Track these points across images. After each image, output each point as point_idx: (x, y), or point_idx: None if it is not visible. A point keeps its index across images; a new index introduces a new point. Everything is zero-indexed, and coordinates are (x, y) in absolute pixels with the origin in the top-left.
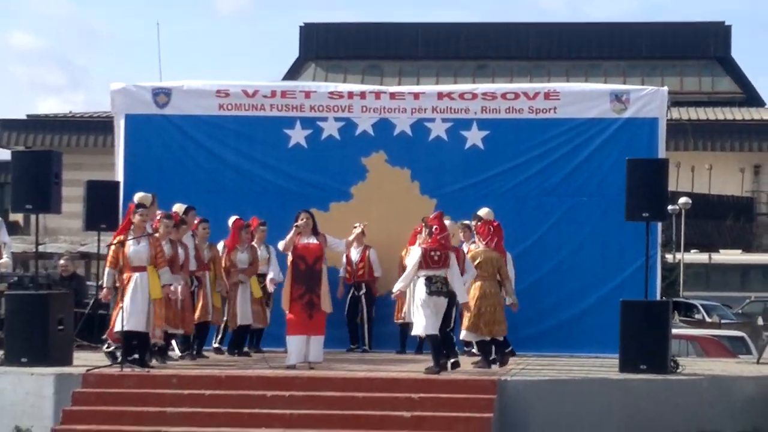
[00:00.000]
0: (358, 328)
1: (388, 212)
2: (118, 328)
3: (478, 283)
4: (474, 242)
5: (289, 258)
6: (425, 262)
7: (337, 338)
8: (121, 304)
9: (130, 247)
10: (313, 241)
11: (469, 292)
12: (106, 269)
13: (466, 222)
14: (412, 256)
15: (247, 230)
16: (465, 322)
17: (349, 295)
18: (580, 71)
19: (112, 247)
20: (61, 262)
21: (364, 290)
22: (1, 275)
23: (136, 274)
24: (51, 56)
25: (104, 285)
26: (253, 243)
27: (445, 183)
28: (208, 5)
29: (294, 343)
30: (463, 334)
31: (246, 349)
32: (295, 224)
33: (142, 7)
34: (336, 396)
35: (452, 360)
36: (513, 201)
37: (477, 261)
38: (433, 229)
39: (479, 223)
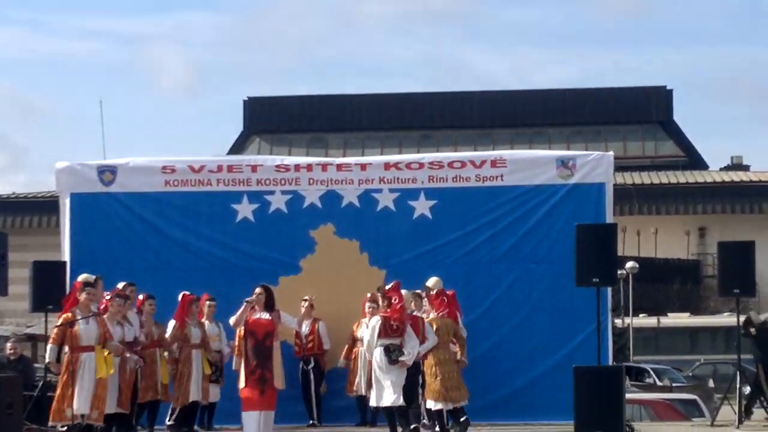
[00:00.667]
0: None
1: (337, 284)
2: (64, 409)
3: (432, 352)
4: (424, 311)
5: (240, 333)
6: (384, 330)
7: (297, 413)
8: (70, 385)
9: (80, 326)
10: (265, 316)
11: (425, 359)
12: (49, 346)
13: (418, 291)
14: (371, 325)
15: (196, 305)
16: (428, 393)
17: (300, 370)
18: (525, 138)
19: (58, 326)
20: (8, 344)
21: (312, 364)
22: None
23: (84, 354)
24: None
25: (48, 360)
26: (203, 319)
27: (394, 253)
28: (150, 81)
29: (250, 419)
30: (431, 404)
31: (196, 427)
32: (246, 299)
33: (83, 85)
34: None
35: (412, 426)
36: (463, 269)
37: (434, 327)
38: (393, 300)
39: (432, 294)
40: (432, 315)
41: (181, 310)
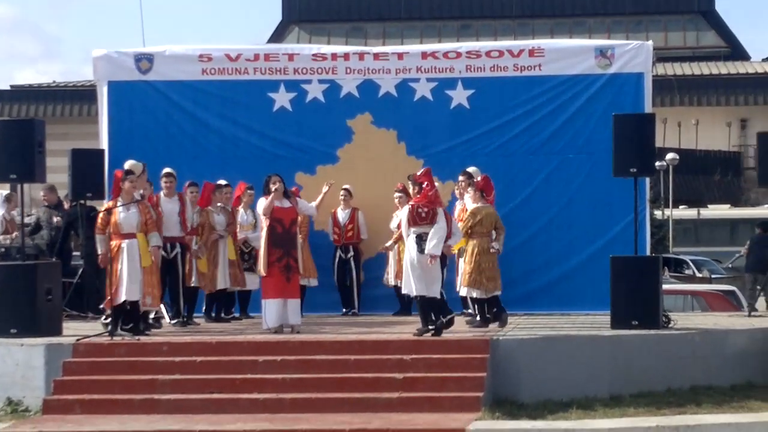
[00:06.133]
0: (348, 291)
1: (374, 174)
2: (116, 297)
3: (475, 240)
4: (468, 195)
5: (266, 222)
6: (412, 218)
7: (329, 303)
8: (117, 272)
9: (120, 214)
10: (286, 204)
11: (460, 249)
12: (97, 236)
13: (467, 171)
14: (402, 214)
15: (221, 192)
16: (465, 278)
17: (337, 259)
18: (565, 29)
19: (101, 214)
20: (41, 193)
21: (352, 253)
22: None
23: (125, 242)
24: (22, 25)
25: (99, 251)
26: (240, 207)
27: (431, 143)
28: None
29: (271, 306)
30: (465, 291)
31: (223, 315)
32: (275, 188)
33: None
34: (327, 359)
35: (447, 318)
36: (500, 159)
37: (478, 217)
38: (424, 186)
39: (478, 180)
40: (475, 204)
41: (202, 199)
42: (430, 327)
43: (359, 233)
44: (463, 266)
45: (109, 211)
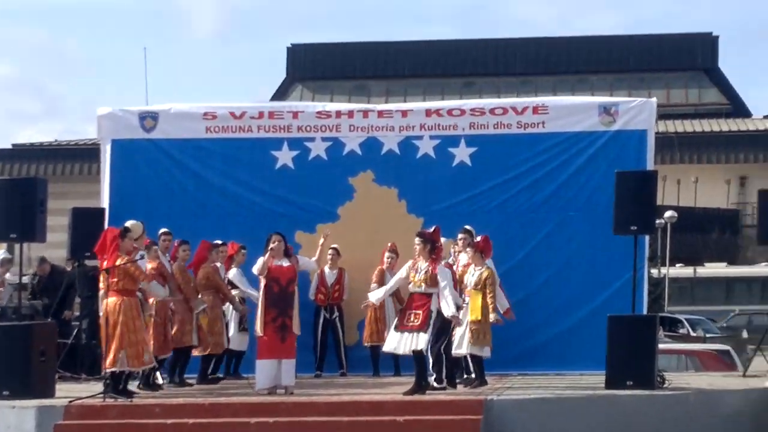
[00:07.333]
0: (328, 352)
1: (375, 232)
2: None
3: (476, 299)
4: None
5: (262, 281)
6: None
7: (304, 363)
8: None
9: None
10: (285, 263)
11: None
12: (101, 293)
13: (467, 228)
14: (401, 269)
15: (217, 251)
16: (474, 336)
17: (321, 319)
18: (567, 86)
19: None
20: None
21: (337, 314)
22: None
23: (128, 299)
24: (24, 84)
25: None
26: (235, 266)
27: (432, 201)
28: (182, 29)
29: (264, 367)
30: (475, 350)
31: (214, 375)
32: (270, 247)
33: (119, 33)
34: (320, 421)
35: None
36: (501, 217)
37: (487, 276)
38: (436, 245)
39: (478, 240)
40: (483, 263)
41: (196, 257)
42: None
43: (343, 293)
44: (469, 325)
45: (107, 270)
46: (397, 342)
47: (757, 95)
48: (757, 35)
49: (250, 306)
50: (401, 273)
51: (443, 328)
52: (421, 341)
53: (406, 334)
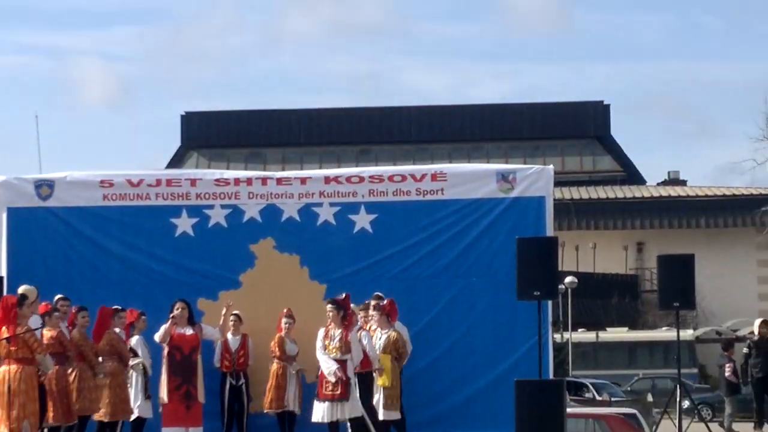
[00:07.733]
0: (237, 418)
1: (277, 299)
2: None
3: (395, 364)
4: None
5: (165, 349)
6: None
7: (210, 430)
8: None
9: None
10: (189, 331)
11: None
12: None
13: (379, 294)
14: (318, 338)
15: (118, 316)
16: (388, 400)
17: (227, 385)
18: (462, 153)
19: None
20: None
21: (243, 380)
22: None
23: (28, 367)
24: None
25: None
26: (136, 333)
27: (335, 267)
28: (73, 97)
29: None
30: (389, 415)
31: None
32: (171, 315)
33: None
34: None
35: None
36: (404, 283)
37: (396, 340)
38: (348, 312)
39: (384, 304)
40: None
41: (98, 324)
42: None
43: (248, 359)
44: (386, 390)
45: (8, 339)
46: (323, 411)
47: (649, 162)
48: (643, 103)
49: (156, 373)
50: (318, 342)
51: (365, 386)
52: (354, 409)
53: (327, 403)
